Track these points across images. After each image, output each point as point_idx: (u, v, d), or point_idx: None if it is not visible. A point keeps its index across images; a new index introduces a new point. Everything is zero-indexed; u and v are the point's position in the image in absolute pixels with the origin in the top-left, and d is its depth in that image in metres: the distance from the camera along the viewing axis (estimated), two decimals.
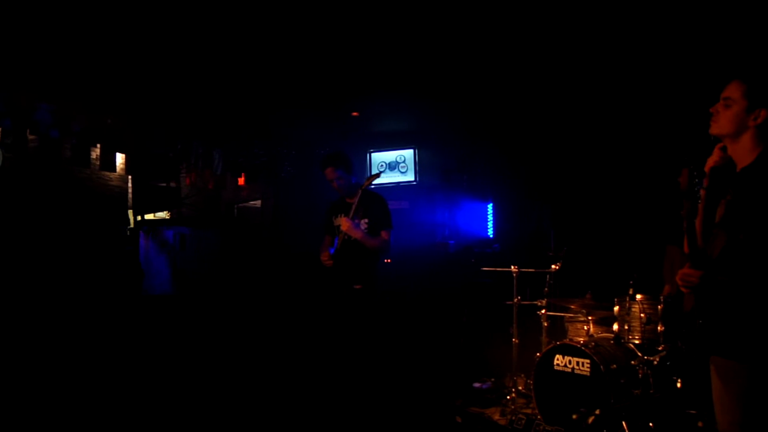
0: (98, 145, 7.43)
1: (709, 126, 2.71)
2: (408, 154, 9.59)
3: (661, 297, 4.64)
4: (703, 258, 2.55)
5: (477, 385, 6.14)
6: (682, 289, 2.63)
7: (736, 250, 2.49)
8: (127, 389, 5.71)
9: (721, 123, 2.65)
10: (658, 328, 4.58)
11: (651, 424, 4.40)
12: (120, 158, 7.77)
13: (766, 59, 5.63)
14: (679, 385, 4.49)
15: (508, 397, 5.55)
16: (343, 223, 4.97)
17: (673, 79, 6.25)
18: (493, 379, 6.22)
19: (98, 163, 7.49)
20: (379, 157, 9.73)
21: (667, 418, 4.44)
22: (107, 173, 7.67)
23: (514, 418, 5.14)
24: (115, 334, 6.46)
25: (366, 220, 5.06)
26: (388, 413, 5.26)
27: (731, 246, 2.51)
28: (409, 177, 9.55)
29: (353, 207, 5.00)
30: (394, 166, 9.65)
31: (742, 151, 2.64)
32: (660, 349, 4.55)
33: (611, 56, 6.02)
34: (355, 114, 8.46)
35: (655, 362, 4.50)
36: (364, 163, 9.72)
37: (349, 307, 5.07)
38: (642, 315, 4.70)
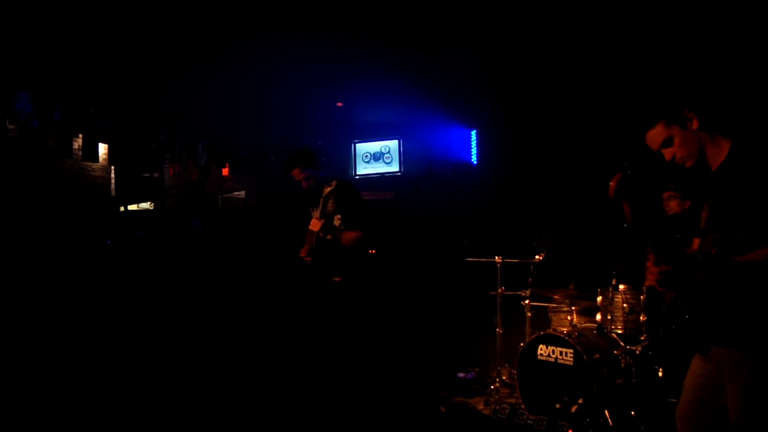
0: (80, 135, 7.34)
1: (683, 167, 2.71)
2: (393, 144, 9.58)
3: (644, 287, 4.68)
4: (671, 253, 2.51)
5: (461, 375, 6.19)
6: (659, 289, 2.64)
7: (734, 248, 2.50)
8: (104, 376, 5.69)
9: (685, 154, 2.66)
10: (641, 318, 4.63)
11: (633, 413, 4.46)
12: (103, 148, 7.69)
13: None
14: (660, 374, 4.55)
15: (492, 387, 5.59)
16: (314, 225, 4.93)
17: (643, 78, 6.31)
18: (477, 369, 6.26)
19: (80, 153, 7.41)
20: (364, 148, 9.71)
21: (649, 407, 4.50)
22: (90, 163, 7.58)
23: (498, 407, 5.18)
24: (100, 325, 6.43)
25: (339, 216, 5.02)
26: (371, 404, 5.28)
27: (728, 245, 2.51)
28: (394, 168, 9.54)
29: (318, 209, 4.96)
30: (378, 156, 9.63)
31: (712, 155, 2.65)
32: (642, 338, 4.61)
33: (587, 46, 6.06)
34: (339, 104, 8.43)
35: (638, 352, 4.55)
36: (348, 154, 9.70)
37: (328, 300, 5.07)
38: (625, 305, 4.75)
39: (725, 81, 5.49)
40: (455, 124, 9.06)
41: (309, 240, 5.19)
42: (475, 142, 8.96)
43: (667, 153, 2.69)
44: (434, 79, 7.31)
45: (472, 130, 8.95)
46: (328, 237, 4.99)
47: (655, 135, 2.68)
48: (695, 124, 2.61)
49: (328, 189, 4.98)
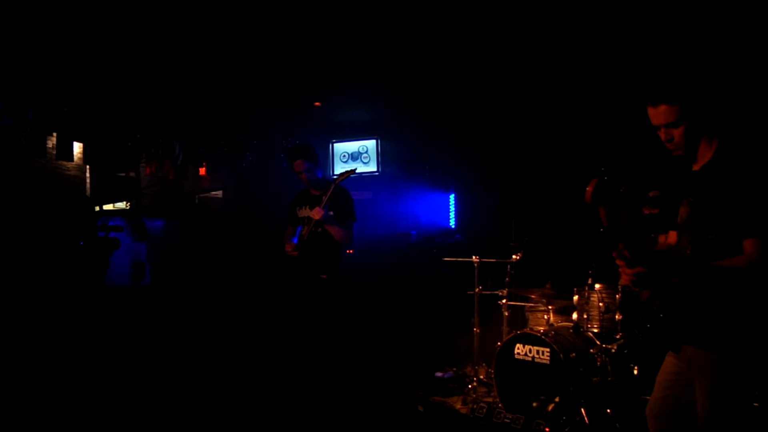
0: (54, 134, 7.25)
1: (672, 152, 2.70)
2: (370, 144, 9.59)
3: (619, 286, 4.72)
4: (648, 255, 2.51)
5: (439, 374, 6.20)
6: (634, 289, 2.67)
7: (707, 249, 2.53)
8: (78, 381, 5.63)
9: (683, 143, 2.64)
10: (616, 316, 4.67)
11: (609, 411, 4.50)
12: (77, 147, 7.60)
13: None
14: (635, 372, 4.60)
15: (470, 386, 5.62)
16: (316, 212, 4.99)
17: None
18: (454, 369, 6.28)
19: (54, 152, 7.31)
20: (342, 148, 9.71)
21: (625, 405, 4.54)
22: (64, 162, 7.48)
23: (475, 406, 5.20)
24: (74, 325, 6.35)
25: (332, 213, 5.12)
26: (350, 402, 5.28)
27: (703, 246, 2.55)
28: (372, 167, 9.54)
29: (325, 199, 5.03)
30: (356, 156, 9.63)
31: (702, 152, 2.66)
32: (618, 337, 4.64)
33: (564, 46, 6.10)
34: (317, 104, 8.41)
35: (613, 350, 4.60)
36: (326, 154, 9.69)
37: (314, 297, 5.12)
38: (600, 304, 4.78)
39: (727, 83, 5.57)
40: (433, 125, 9.09)
41: (288, 236, 5.28)
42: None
43: (666, 133, 2.66)
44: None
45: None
46: (319, 230, 5.08)
47: (667, 113, 2.61)
48: (707, 121, 2.61)
49: (333, 186, 5.09)
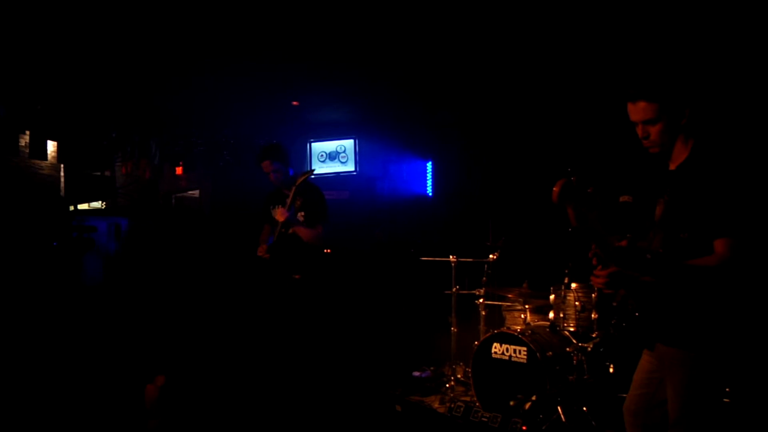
0: (27, 132, 7.14)
1: (648, 150, 2.74)
2: (348, 144, 9.56)
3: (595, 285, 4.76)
4: (619, 254, 2.54)
5: (416, 373, 6.21)
6: (606, 291, 2.70)
7: (679, 248, 2.56)
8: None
9: (659, 141, 2.68)
10: (592, 315, 4.71)
11: (585, 408, 4.54)
12: (51, 146, 7.49)
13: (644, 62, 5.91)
14: (611, 370, 4.66)
15: (447, 386, 5.63)
16: (279, 213, 4.97)
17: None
18: (432, 368, 6.30)
19: (27, 150, 7.20)
20: (320, 147, 9.68)
21: (601, 402, 4.59)
22: (38, 161, 7.37)
23: (453, 405, 5.22)
24: (48, 326, 6.27)
25: (302, 213, 5.10)
26: (327, 402, 5.27)
27: (675, 245, 2.58)
28: (350, 167, 9.52)
29: (289, 198, 5.01)
30: (334, 156, 9.60)
31: (678, 151, 2.71)
32: (594, 336, 4.69)
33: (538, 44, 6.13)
34: (295, 103, 8.38)
35: (589, 349, 4.64)
36: (304, 153, 9.65)
37: (288, 298, 5.10)
38: (577, 303, 4.82)
39: (705, 84, 5.64)
40: (412, 126, 9.12)
41: (264, 238, 5.26)
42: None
43: (642, 129, 2.70)
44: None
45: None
46: (290, 231, 5.04)
47: (645, 110, 2.65)
48: (684, 121, 2.65)
49: (298, 183, 5.05)
